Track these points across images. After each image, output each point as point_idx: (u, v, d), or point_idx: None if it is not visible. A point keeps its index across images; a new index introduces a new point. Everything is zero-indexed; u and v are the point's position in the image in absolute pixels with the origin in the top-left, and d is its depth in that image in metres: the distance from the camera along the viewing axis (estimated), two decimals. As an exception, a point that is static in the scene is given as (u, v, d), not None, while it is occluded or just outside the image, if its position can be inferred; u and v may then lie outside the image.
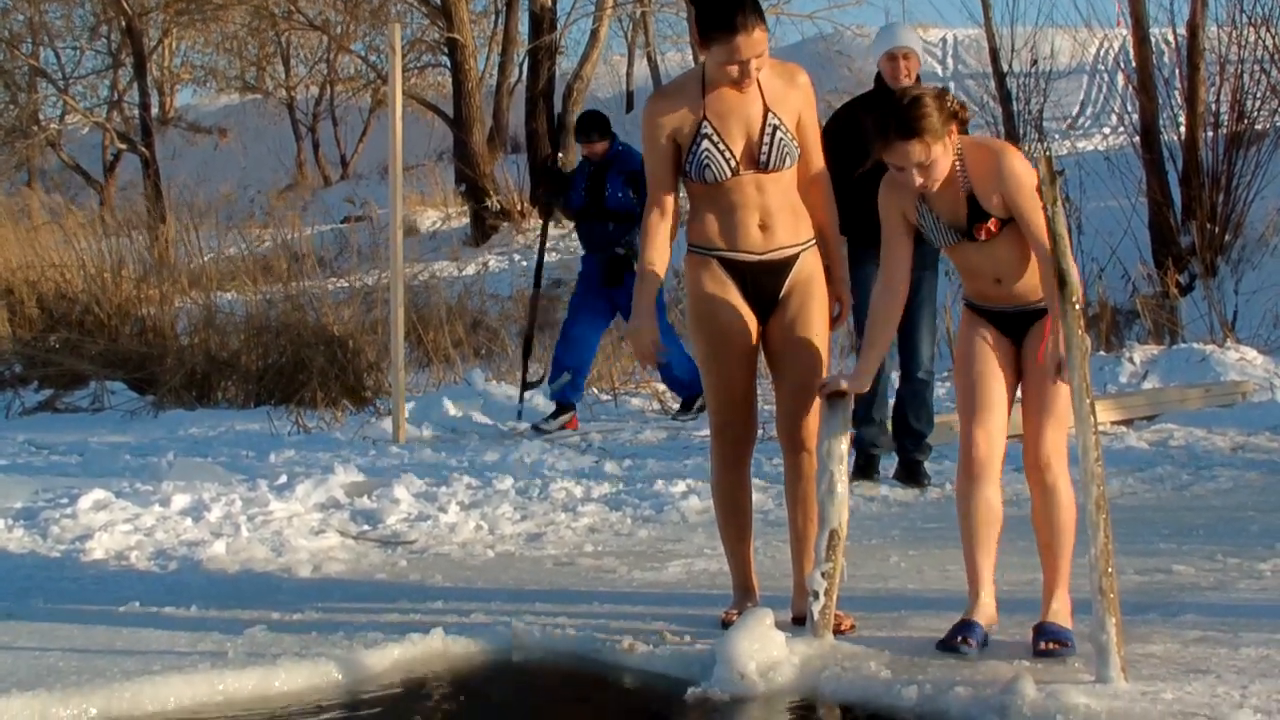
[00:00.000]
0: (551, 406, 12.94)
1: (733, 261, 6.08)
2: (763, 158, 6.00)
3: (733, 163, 5.99)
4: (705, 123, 5.99)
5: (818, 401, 5.99)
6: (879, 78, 9.42)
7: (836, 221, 6.32)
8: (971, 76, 28.11)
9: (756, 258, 6.07)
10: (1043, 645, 5.53)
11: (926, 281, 9.17)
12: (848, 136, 8.82)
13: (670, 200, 6.13)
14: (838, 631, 5.88)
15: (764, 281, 6.10)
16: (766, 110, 6.01)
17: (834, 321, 6.26)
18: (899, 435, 9.69)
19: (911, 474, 9.65)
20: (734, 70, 5.93)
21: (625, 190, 12.70)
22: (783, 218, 6.08)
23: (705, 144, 5.98)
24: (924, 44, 8.78)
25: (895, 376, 9.90)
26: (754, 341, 6.16)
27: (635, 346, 6.22)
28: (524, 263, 24.36)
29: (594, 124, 12.98)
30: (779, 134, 6.01)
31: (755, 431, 6.31)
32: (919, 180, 5.67)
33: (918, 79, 9.25)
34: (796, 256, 6.11)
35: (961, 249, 5.81)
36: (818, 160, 6.24)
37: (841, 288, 6.29)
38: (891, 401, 9.76)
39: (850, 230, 8.25)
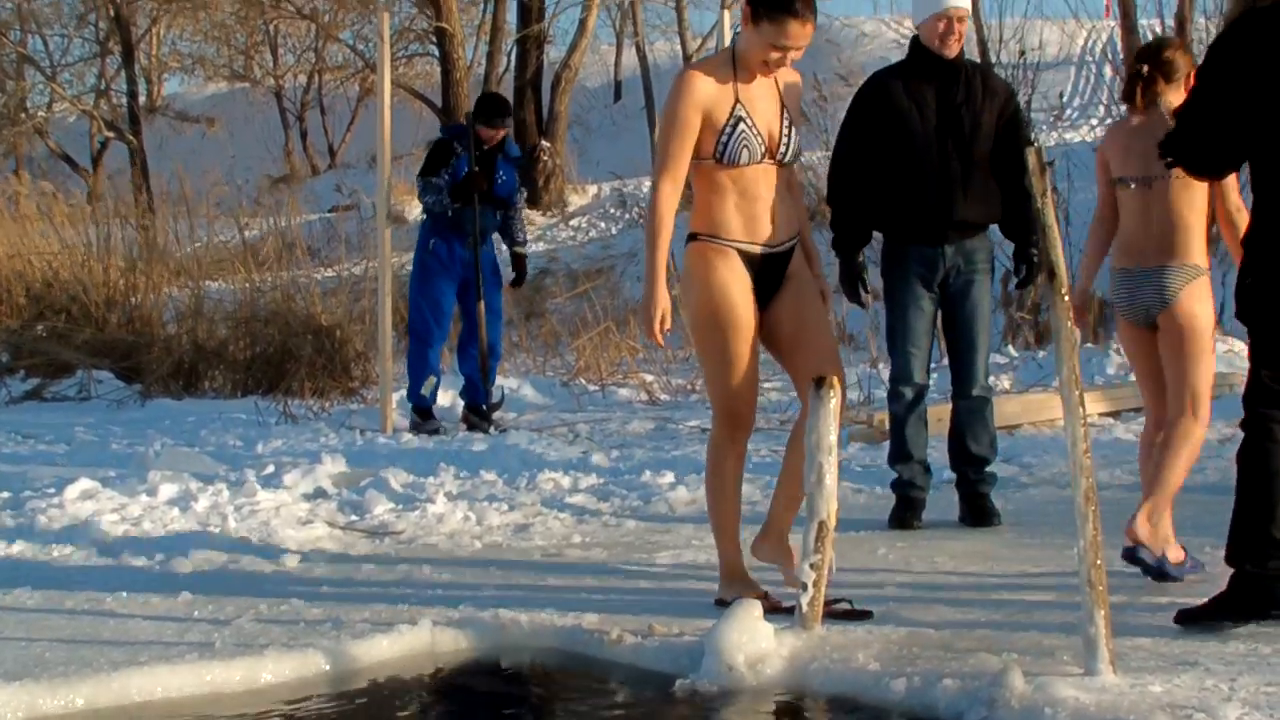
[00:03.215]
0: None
1: (748, 253, 6.19)
2: (782, 150, 6.21)
3: (763, 148, 6.15)
4: (739, 105, 6.13)
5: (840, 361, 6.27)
6: (916, 44, 8.08)
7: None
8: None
9: (768, 250, 6.23)
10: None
11: (979, 285, 8.08)
12: (880, 113, 7.97)
13: (683, 179, 6.19)
14: (831, 615, 5.89)
15: (769, 272, 6.25)
16: (783, 106, 6.23)
17: None
18: (958, 464, 8.27)
19: (978, 512, 8.16)
20: (774, 55, 6.09)
21: (514, 178, 12.55)
22: (784, 210, 6.27)
23: (741, 126, 6.11)
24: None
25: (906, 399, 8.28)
26: (757, 333, 6.28)
27: (652, 320, 6.17)
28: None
29: (503, 107, 12.64)
30: (793, 130, 6.25)
31: (754, 417, 6.45)
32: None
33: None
34: (793, 249, 6.33)
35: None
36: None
37: (823, 281, 6.48)
38: (928, 431, 8.31)
39: (889, 224, 8.00)
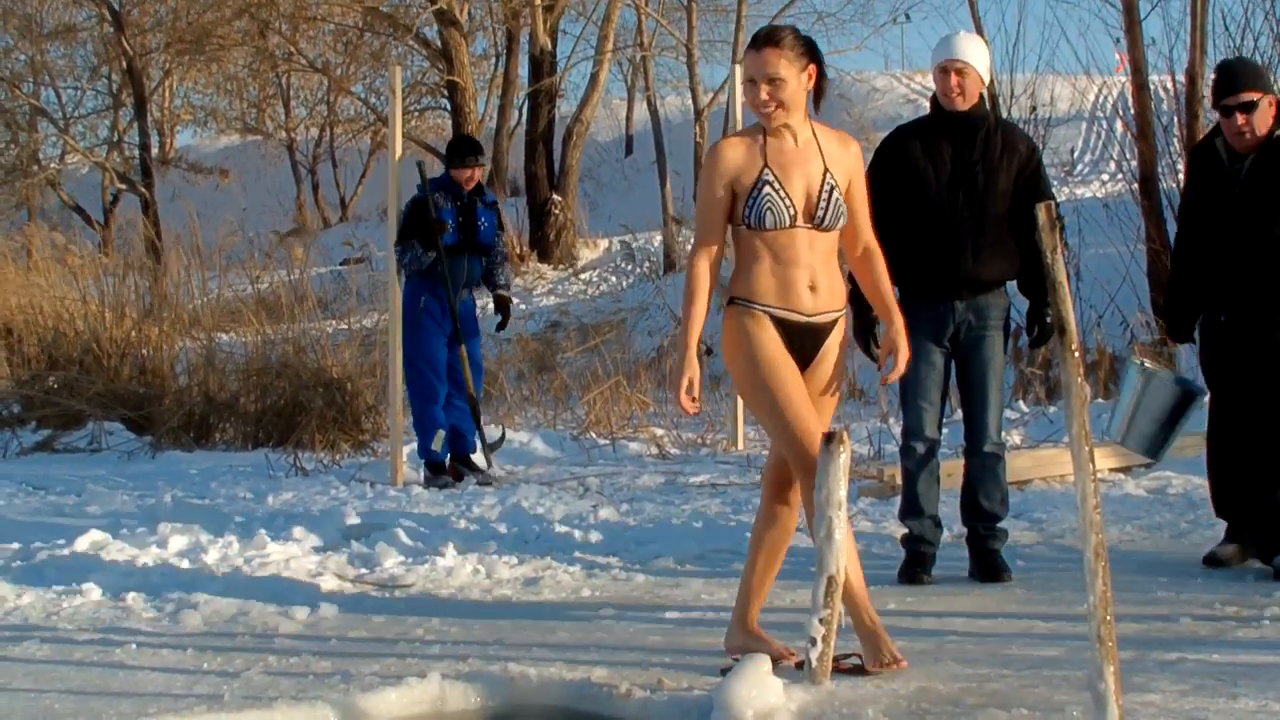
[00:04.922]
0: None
1: (783, 320, 6.13)
2: (820, 214, 6.13)
3: (792, 211, 6.09)
4: (767, 169, 6.11)
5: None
6: (935, 100, 8.17)
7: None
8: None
9: (805, 319, 6.16)
10: None
11: (991, 341, 8.09)
12: (897, 168, 8.01)
13: (720, 249, 6.18)
14: (841, 670, 5.89)
15: (806, 342, 6.18)
16: (826, 170, 6.17)
17: (890, 375, 6.37)
18: (969, 519, 8.25)
19: (989, 568, 8.16)
20: (751, 92, 6.13)
21: (494, 223, 12.53)
22: (827, 280, 6.19)
23: (766, 189, 6.08)
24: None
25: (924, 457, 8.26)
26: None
27: (678, 388, 6.11)
28: (522, 305, 24.40)
29: (473, 145, 12.58)
30: (835, 194, 6.16)
31: None
32: None
33: (982, 100, 8.13)
34: (835, 322, 6.25)
35: None
36: (867, 230, 6.42)
37: (900, 339, 6.35)
38: (940, 486, 8.29)
39: (901, 279, 7.78)
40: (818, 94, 6.26)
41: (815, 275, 6.14)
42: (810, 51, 6.18)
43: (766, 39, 6.15)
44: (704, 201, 6.20)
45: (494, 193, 13.16)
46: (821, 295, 6.15)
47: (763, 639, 6.28)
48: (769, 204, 6.06)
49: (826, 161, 6.19)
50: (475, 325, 12.64)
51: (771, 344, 6.11)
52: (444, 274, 12.11)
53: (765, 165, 6.12)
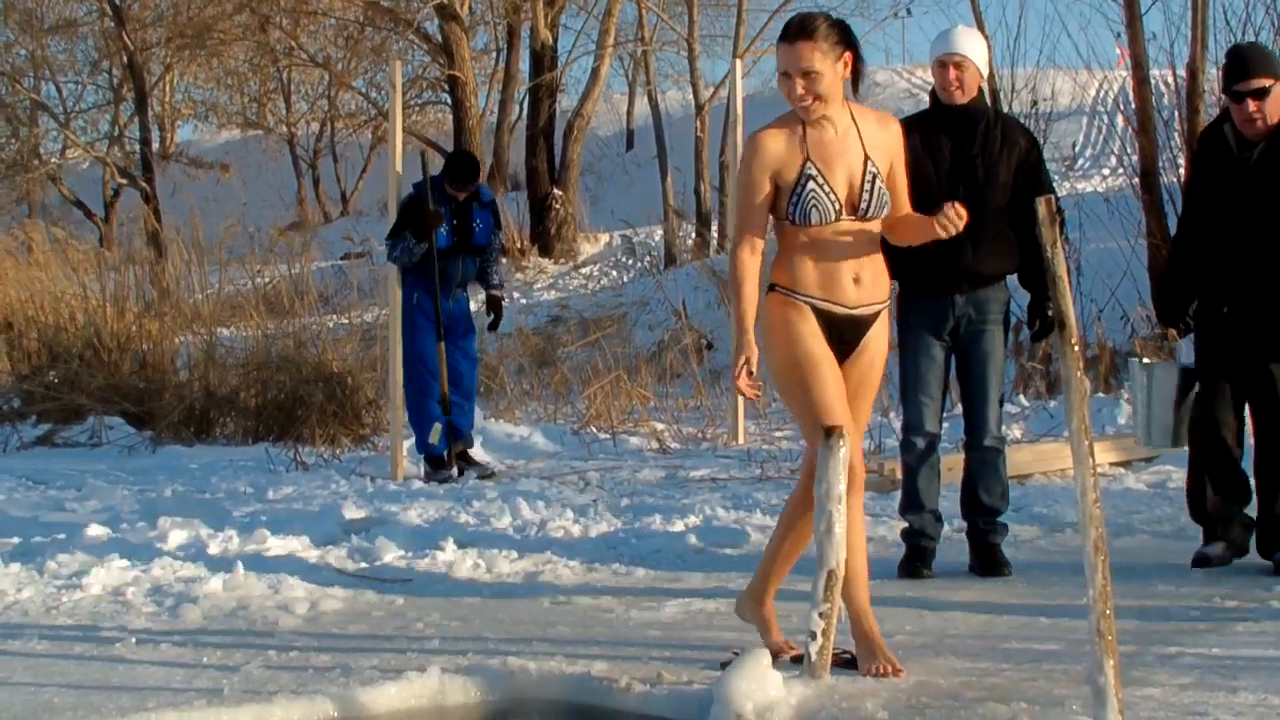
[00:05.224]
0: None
1: (826, 311, 6.03)
2: (863, 205, 6.01)
3: (836, 205, 5.97)
4: (810, 164, 5.98)
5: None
6: (933, 95, 8.22)
7: None
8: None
9: (847, 311, 6.04)
10: None
11: (990, 335, 8.08)
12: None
13: (762, 240, 6.06)
14: (840, 664, 5.89)
15: (848, 334, 6.07)
16: (867, 158, 6.04)
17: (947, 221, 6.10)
18: (969, 514, 8.25)
19: (989, 562, 8.14)
20: (785, 85, 5.96)
21: (490, 224, 12.58)
22: (872, 271, 6.09)
23: (810, 185, 5.95)
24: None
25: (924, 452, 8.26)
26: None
27: (736, 367, 5.97)
28: (523, 300, 24.41)
29: (471, 172, 12.55)
30: (878, 182, 6.05)
31: (862, 472, 6.27)
32: None
33: (981, 93, 8.16)
34: (878, 314, 6.14)
35: None
36: (906, 207, 6.29)
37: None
38: (940, 480, 8.29)
39: (900, 273, 7.60)
40: (855, 78, 6.11)
41: (860, 267, 6.04)
42: (845, 38, 6.01)
43: (799, 30, 5.97)
44: (744, 194, 6.06)
45: (491, 190, 13.14)
46: (865, 287, 6.05)
47: (768, 624, 6.28)
48: (814, 200, 5.94)
49: (866, 148, 6.05)
50: (471, 323, 12.69)
51: (811, 335, 6.00)
52: (432, 271, 12.17)
53: (808, 159, 5.98)
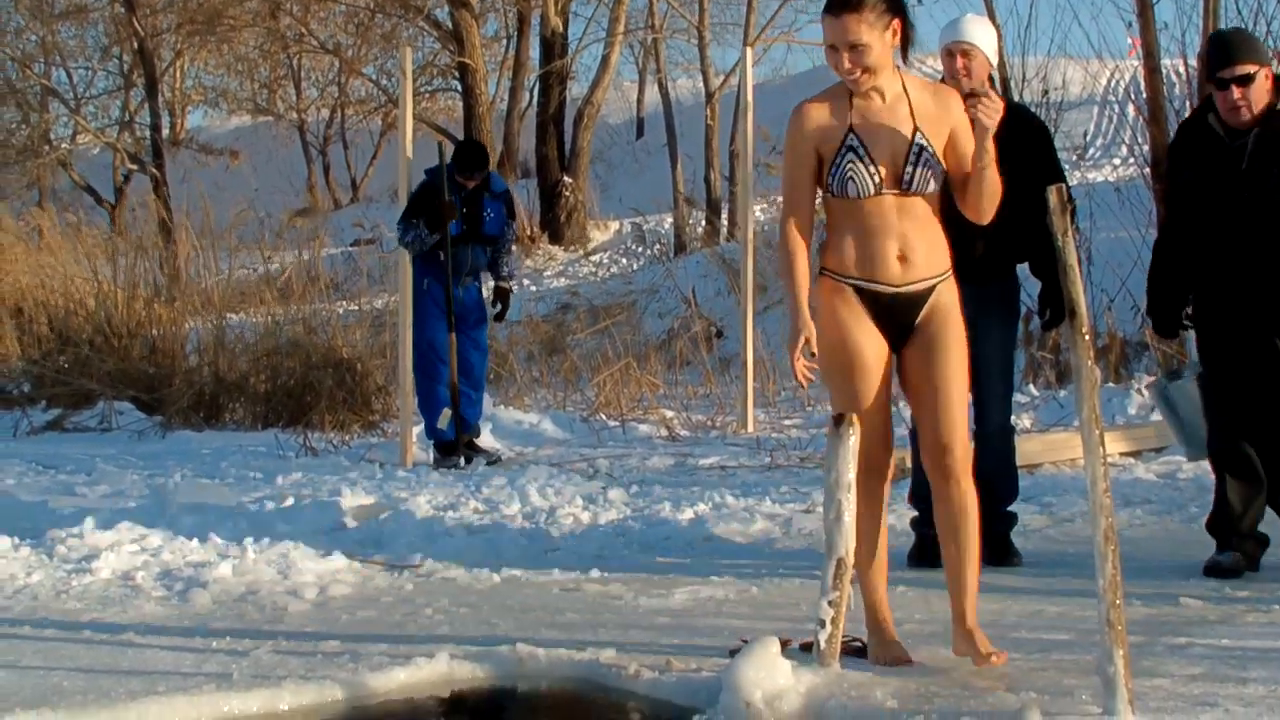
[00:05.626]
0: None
1: (870, 292, 5.83)
2: (906, 177, 5.77)
3: (876, 179, 5.76)
4: (851, 134, 5.79)
5: (964, 429, 5.90)
6: (942, 83, 7.88)
7: None
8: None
9: (893, 290, 5.82)
10: None
11: (1000, 324, 7.97)
12: None
13: (808, 212, 5.89)
14: (850, 652, 5.87)
15: (899, 313, 5.85)
16: (915, 129, 5.81)
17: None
18: (979, 503, 8.60)
19: (998, 552, 7.92)
20: (832, 58, 5.78)
21: (501, 214, 12.59)
22: (922, 248, 5.84)
23: (850, 156, 5.76)
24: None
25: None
26: (886, 371, 5.91)
27: (792, 349, 5.80)
28: (533, 287, 24.40)
29: (479, 160, 12.53)
30: (925, 154, 5.80)
31: (889, 462, 6.05)
32: None
33: (991, 81, 7.91)
34: (933, 289, 5.88)
35: None
36: None
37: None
38: None
39: None
40: (904, 46, 5.87)
41: (906, 244, 5.80)
42: (893, 5, 5.75)
43: (844, 2, 5.71)
44: (790, 166, 5.90)
45: (504, 180, 13.13)
46: (914, 264, 5.81)
47: (885, 637, 6.08)
48: (851, 172, 5.74)
49: (917, 119, 5.82)
50: (482, 313, 12.71)
51: (852, 320, 5.82)
52: (446, 262, 12.18)
53: (850, 129, 5.79)
